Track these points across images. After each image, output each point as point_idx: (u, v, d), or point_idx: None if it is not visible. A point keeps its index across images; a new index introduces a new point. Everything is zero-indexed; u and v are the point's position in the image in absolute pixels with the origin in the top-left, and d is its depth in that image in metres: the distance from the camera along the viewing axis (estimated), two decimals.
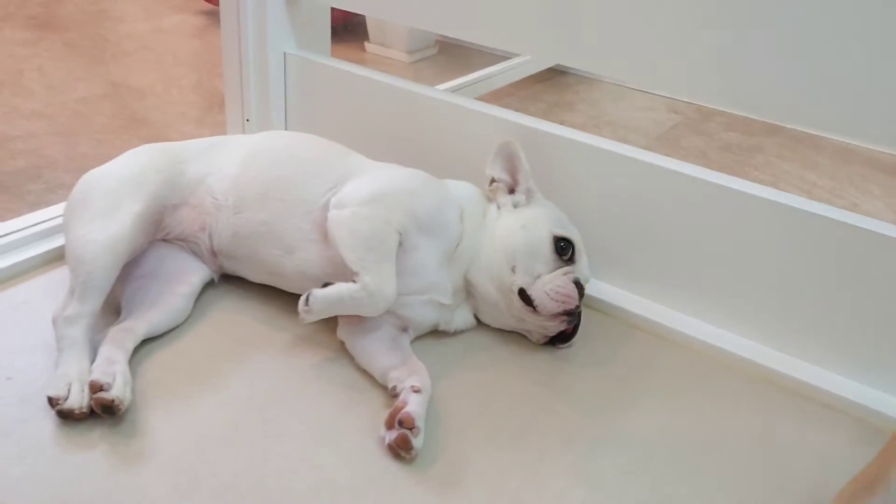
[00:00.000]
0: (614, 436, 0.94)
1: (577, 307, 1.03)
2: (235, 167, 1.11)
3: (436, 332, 1.09)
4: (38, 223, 1.19)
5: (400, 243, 1.00)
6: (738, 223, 1.08)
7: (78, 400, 0.86)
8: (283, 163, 1.10)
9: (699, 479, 0.89)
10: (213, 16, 2.83)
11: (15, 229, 1.17)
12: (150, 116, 1.87)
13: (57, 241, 1.16)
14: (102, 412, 0.85)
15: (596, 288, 1.19)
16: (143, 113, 1.89)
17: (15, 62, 2.14)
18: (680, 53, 1.05)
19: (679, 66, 1.06)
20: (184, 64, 2.30)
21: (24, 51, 2.25)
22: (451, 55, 2.69)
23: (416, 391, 0.91)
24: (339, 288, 0.95)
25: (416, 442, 0.86)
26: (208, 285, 1.12)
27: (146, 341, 1.00)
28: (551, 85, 2.48)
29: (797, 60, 0.96)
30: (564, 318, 1.03)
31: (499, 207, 1.12)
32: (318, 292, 0.95)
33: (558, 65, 2.57)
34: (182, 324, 1.05)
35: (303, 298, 0.96)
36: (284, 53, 1.43)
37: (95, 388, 0.86)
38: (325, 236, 1.02)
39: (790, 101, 0.99)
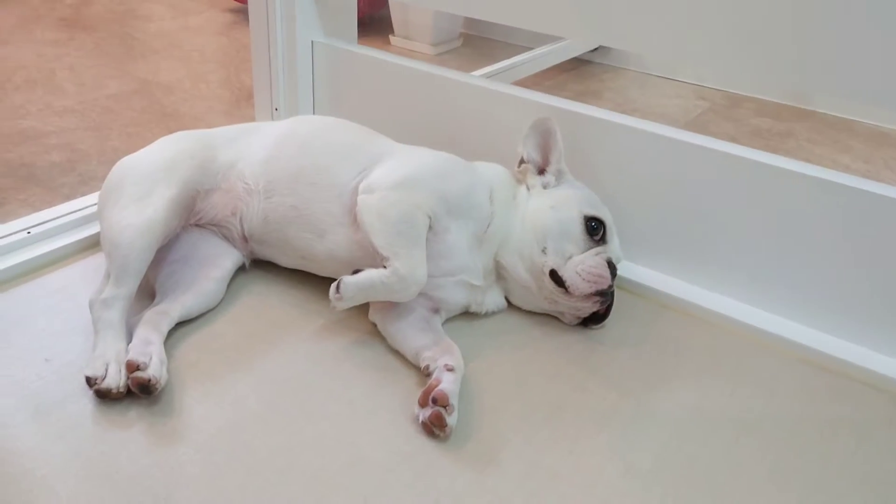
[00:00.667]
0: (649, 414, 0.93)
1: (610, 287, 1.02)
2: (266, 152, 1.11)
3: (467, 314, 1.09)
4: (74, 211, 1.21)
5: (430, 227, 1.00)
6: (771, 199, 1.06)
7: (115, 379, 0.87)
8: (312, 147, 1.11)
9: (735, 457, 0.88)
10: (239, 13, 2.85)
11: (51, 218, 1.19)
12: (179, 110, 1.89)
13: (92, 229, 1.18)
14: (139, 391, 0.86)
15: (627, 269, 1.18)
16: (172, 107, 1.91)
17: (47, 62, 2.18)
18: (720, 33, 1.03)
19: (718, 47, 1.05)
20: (211, 60, 2.33)
21: (56, 50, 2.29)
22: (475, 47, 2.69)
23: (450, 370, 0.91)
24: (370, 274, 0.95)
25: (451, 420, 0.86)
26: (240, 270, 1.13)
27: (180, 324, 1.01)
28: (577, 74, 2.46)
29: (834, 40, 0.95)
30: (597, 298, 1.02)
31: (528, 189, 1.11)
32: (349, 279, 0.95)
33: (584, 54, 2.56)
34: (215, 307, 1.06)
35: (333, 286, 0.96)
36: (312, 42, 1.43)
37: (132, 367, 0.87)
38: (354, 220, 1.02)
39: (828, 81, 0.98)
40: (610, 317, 1.06)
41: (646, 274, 1.19)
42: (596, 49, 2.56)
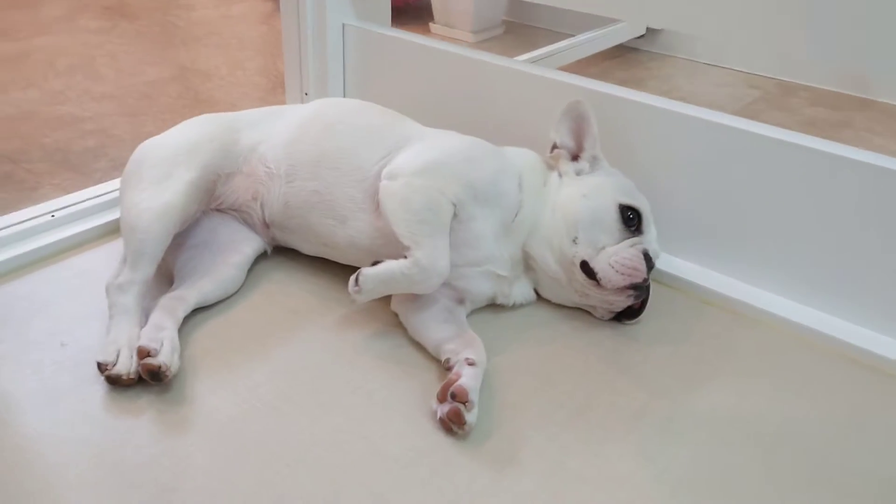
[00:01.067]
0: (684, 416, 0.87)
1: (645, 281, 0.96)
2: (289, 135, 1.08)
3: (494, 306, 1.04)
4: (98, 195, 1.20)
5: (455, 214, 0.95)
6: (821, 188, 0.99)
7: (126, 366, 0.85)
8: (336, 130, 1.07)
9: (775, 463, 0.81)
10: None
11: (75, 201, 1.18)
12: (214, 97, 1.89)
13: (116, 213, 1.15)
14: (150, 378, 0.84)
15: (666, 261, 1.12)
16: (207, 94, 1.90)
17: (88, 49, 2.20)
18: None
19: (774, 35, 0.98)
20: (249, 48, 2.32)
21: (98, 38, 2.31)
22: (517, 34, 2.63)
23: (471, 364, 0.87)
24: (390, 265, 0.91)
25: (470, 417, 0.81)
26: (261, 257, 1.11)
27: (198, 310, 0.99)
28: (622, 61, 2.39)
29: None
30: (631, 292, 0.96)
31: (560, 175, 1.06)
32: (369, 271, 0.91)
33: (629, 41, 2.47)
34: (234, 294, 1.03)
35: (352, 279, 0.92)
36: (343, 25, 1.40)
37: (142, 353, 0.84)
38: (377, 206, 0.98)
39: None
40: (645, 312, 1.00)
41: (685, 267, 1.13)
42: (642, 36, 2.48)
